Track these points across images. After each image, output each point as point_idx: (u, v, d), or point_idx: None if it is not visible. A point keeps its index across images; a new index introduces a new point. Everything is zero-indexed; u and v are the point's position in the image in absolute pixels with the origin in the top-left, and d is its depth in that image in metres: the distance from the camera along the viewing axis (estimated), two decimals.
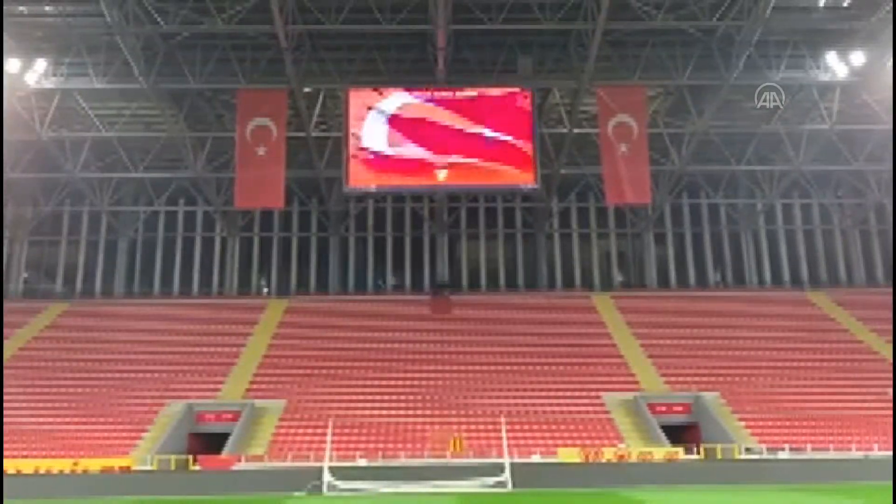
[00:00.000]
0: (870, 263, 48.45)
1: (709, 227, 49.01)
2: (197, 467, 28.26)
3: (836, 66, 33.99)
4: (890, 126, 36.60)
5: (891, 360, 37.47)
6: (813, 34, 33.70)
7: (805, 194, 48.65)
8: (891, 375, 36.04)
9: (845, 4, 32.42)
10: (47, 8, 31.62)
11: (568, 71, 35.11)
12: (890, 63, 32.78)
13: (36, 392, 34.61)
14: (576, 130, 37.67)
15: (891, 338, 39.07)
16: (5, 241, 46.08)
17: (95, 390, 35.29)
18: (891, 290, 45.97)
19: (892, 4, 30.68)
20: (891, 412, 32.90)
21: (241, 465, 28.28)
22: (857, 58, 33.35)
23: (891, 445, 29.13)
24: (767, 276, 48.32)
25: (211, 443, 31.68)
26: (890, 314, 41.43)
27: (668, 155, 39.72)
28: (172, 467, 28.32)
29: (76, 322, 42.27)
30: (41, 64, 33.30)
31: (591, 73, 33.36)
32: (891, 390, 34.47)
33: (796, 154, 39.57)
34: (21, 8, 31.11)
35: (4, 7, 29.32)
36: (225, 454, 29.72)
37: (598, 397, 34.59)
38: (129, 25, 30.41)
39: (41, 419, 32.50)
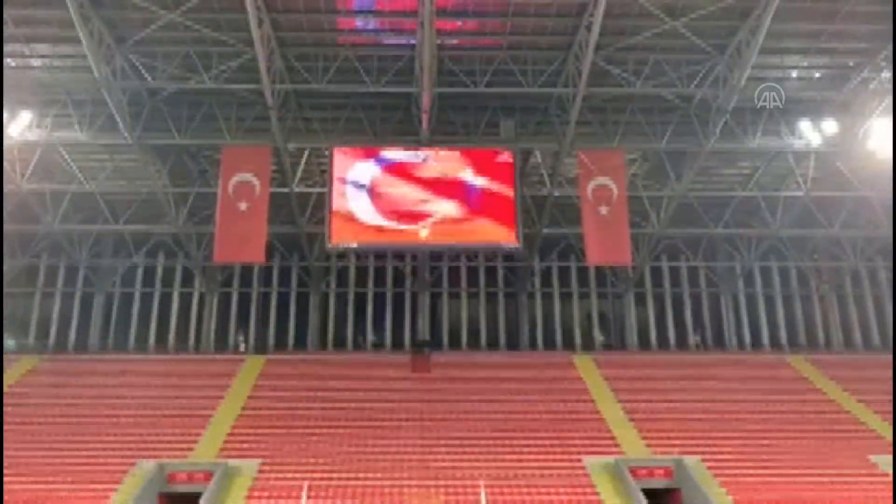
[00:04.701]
0: (847, 328, 48.84)
1: (689, 289, 49.36)
2: None
3: (810, 133, 34.90)
4: (864, 193, 37.50)
5: (873, 427, 37.42)
6: (787, 103, 34.61)
7: (782, 258, 49.29)
8: (875, 442, 36.02)
9: (817, 76, 33.55)
10: (34, 62, 31.89)
11: (549, 134, 35.76)
12: (862, 131, 33.81)
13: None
14: (556, 193, 38.13)
15: (874, 405, 39.13)
16: None
17: (62, 448, 34.16)
18: (869, 355, 46.38)
19: (861, 77, 31.90)
20: (875, 481, 32.76)
21: None
22: (830, 126, 34.32)
23: None
24: (747, 338, 48.49)
25: None
26: (870, 379, 41.65)
27: (648, 218, 40.24)
28: None
29: (46, 377, 41.13)
30: (25, 116, 33.36)
31: (571, 136, 34.01)
32: (874, 457, 34.40)
33: (773, 219, 40.23)
34: (10, 61, 31.33)
35: None
36: None
37: (578, 460, 34.05)
38: (116, 80, 30.64)
39: (5, 478, 31.32)
